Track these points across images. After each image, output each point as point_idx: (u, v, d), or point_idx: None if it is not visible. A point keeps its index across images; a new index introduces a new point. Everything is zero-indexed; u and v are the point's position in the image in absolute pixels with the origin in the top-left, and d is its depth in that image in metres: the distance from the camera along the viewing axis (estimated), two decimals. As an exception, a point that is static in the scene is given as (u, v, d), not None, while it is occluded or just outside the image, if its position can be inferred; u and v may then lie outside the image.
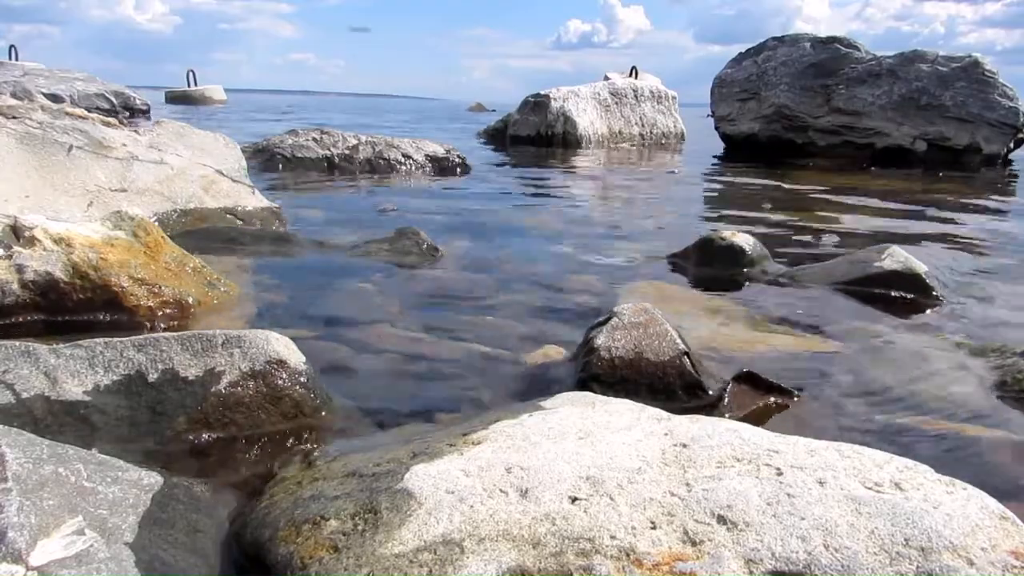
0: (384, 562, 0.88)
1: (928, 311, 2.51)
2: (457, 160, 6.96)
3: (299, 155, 6.45)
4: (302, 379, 1.51)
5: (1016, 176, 8.55)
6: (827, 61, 10.62)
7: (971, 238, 4.12)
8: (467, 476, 1.04)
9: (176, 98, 21.47)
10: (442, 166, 6.84)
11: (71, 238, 2.07)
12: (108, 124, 3.36)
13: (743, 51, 11.87)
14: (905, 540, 0.87)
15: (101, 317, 2.02)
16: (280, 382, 1.47)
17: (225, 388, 1.42)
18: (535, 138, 10.77)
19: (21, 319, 1.96)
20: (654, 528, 0.92)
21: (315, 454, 1.29)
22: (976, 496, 0.98)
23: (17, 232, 2.07)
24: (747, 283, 2.89)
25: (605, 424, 1.24)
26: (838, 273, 2.82)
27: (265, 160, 6.35)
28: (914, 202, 5.69)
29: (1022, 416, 1.65)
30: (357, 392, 1.68)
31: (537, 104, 10.88)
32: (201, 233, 3.18)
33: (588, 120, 11.14)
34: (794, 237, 4.00)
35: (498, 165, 7.87)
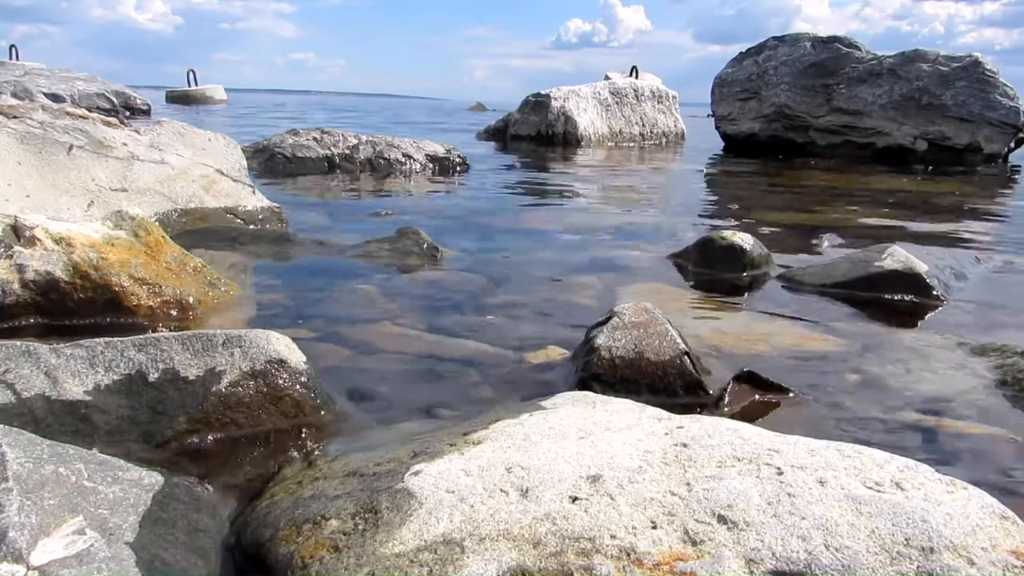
0: (385, 562, 0.88)
1: (929, 311, 2.51)
2: (457, 160, 6.96)
3: (300, 155, 6.45)
4: (302, 379, 1.51)
5: (1017, 176, 8.54)
6: (828, 61, 10.62)
7: (972, 238, 4.11)
8: (467, 476, 1.04)
9: (177, 98, 21.46)
10: (443, 165, 6.84)
11: (72, 238, 2.07)
12: (109, 124, 3.36)
13: (743, 51, 11.87)
14: (906, 540, 0.87)
15: (102, 317, 2.02)
16: (281, 382, 1.47)
17: (226, 388, 1.42)
18: (536, 137, 10.77)
19: (22, 319, 1.97)
20: (654, 528, 0.92)
21: (315, 454, 1.29)
22: (976, 495, 0.97)
23: (18, 232, 2.08)
24: (748, 283, 2.89)
25: (605, 424, 1.24)
26: (839, 273, 2.81)
27: (266, 160, 6.35)
28: (914, 202, 5.68)
29: (1022, 416, 1.65)
30: (358, 392, 1.68)
31: (538, 103, 10.89)
32: (202, 233, 3.18)
33: (588, 119, 11.14)
34: (794, 237, 4.00)
35: (499, 165, 7.87)
